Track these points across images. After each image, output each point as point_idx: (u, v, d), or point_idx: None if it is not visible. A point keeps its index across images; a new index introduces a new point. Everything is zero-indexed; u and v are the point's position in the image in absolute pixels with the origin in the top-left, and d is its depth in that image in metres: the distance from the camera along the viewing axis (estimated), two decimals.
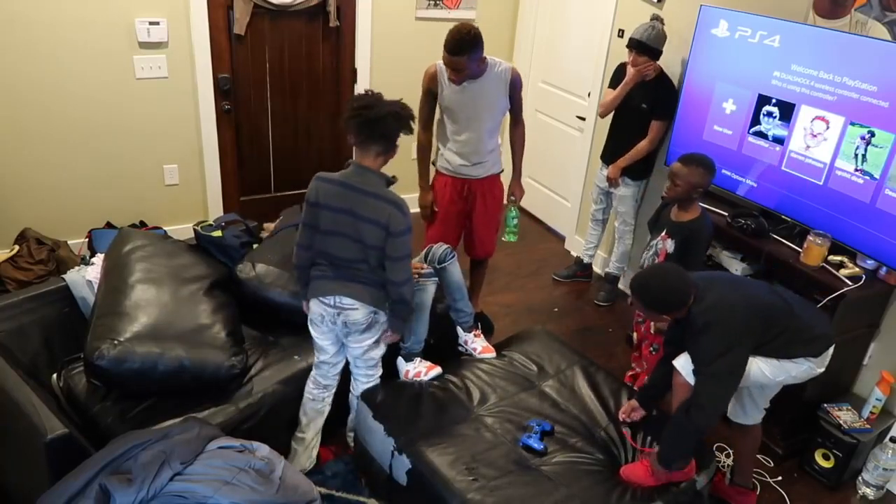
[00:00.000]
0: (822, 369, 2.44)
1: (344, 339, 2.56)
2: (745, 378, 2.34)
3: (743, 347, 2.25)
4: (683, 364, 2.38)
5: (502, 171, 3.42)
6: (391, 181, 2.37)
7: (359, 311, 2.43)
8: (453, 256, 2.96)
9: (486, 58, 3.04)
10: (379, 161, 2.35)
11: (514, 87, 3.16)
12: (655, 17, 3.52)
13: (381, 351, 2.64)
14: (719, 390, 2.26)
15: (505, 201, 3.50)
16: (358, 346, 2.55)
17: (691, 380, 2.34)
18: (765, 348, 2.33)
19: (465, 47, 2.89)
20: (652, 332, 3.02)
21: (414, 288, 2.50)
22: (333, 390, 2.70)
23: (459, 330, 3.03)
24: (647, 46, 3.47)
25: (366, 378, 2.66)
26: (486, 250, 3.58)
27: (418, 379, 2.77)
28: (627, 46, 3.53)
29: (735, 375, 2.27)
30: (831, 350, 2.43)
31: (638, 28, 3.50)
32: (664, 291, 2.30)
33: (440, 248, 2.95)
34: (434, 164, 3.40)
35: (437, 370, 2.80)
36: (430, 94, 3.17)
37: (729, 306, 2.28)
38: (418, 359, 2.84)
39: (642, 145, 3.69)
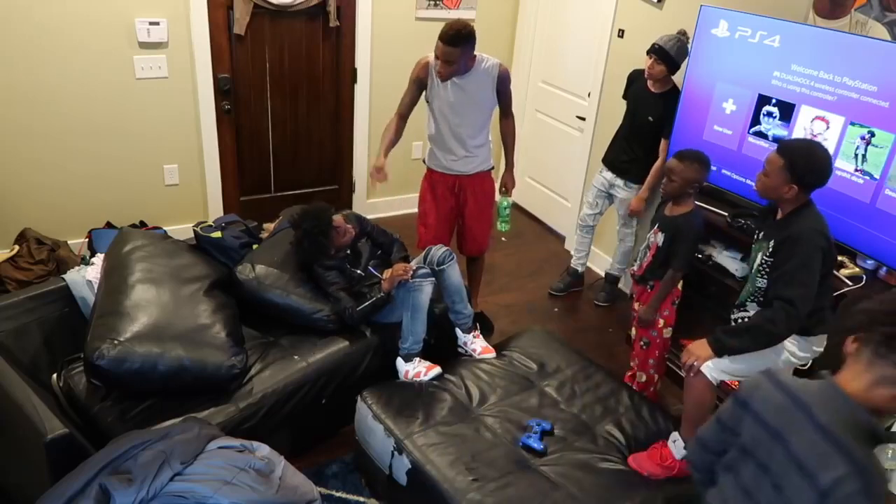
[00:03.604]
0: (821, 349, 2.48)
1: None
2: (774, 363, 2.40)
3: (818, 259, 2.27)
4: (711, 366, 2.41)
5: (492, 168, 3.48)
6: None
7: None
8: (453, 259, 2.97)
9: (474, 55, 3.09)
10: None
11: (503, 83, 3.22)
12: (682, 33, 3.50)
13: None
14: (803, 289, 2.26)
15: (497, 195, 3.56)
16: None
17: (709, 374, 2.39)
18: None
19: (460, 40, 2.94)
20: (637, 322, 3.05)
21: None
22: None
23: (458, 331, 3.03)
24: (668, 55, 3.45)
25: None
26: (480, 247, 3.63)
27: (418, 379, 2.77)
28: (648, 52, 3.51)
29: (814, 277, 2.27)
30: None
31: (663, 37, 3.48)
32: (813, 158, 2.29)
33: (440, 250, 2.95)
34: (424, 161, 3.46)
35: (437, 370, 2.80)
36: (419, 82, 3.20)
37: (820, 230, 2.31)
38: (417, 359, 2.84)
39: (656, 167, 3.71)
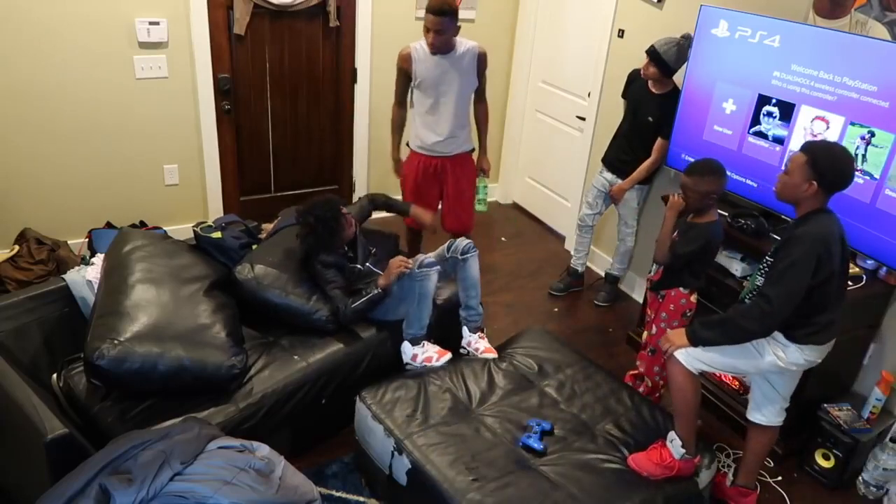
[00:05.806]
0: (818, 360, 2.46)
1: None
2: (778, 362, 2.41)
3: (809, 264, 2.24)
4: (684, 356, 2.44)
5: (473, 149, 3.67)
6: None
7: None
8: (476, 252, 3.00)
9: (458, 28, 3.35)
10: None
11: (482, 64, 3.47)
12: (685, 37, 3.46)
13: None
14: (783, 289, 2.25)
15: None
16: None
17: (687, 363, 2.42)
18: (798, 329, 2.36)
19: (447, 10, 3.22)
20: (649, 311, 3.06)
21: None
22: None
23: (465, 330, 3.04)
24: (660, 59, 3.45)
25: None
26: (464, 225, 3.78)
27: (428, 364, 2.76)
28: (646, 52, 3.52)
29: (799, 280, 2.24)
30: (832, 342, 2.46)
31: (662, 39, 3.47)
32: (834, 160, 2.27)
33: (464, 241, 3.01)
34: (408, 144, 3.64)
35: (448, 356, 2.78)
36: (404, 73, 3.44)
37: (823, 236, 2.28)
38: (426, 342, 2.83)
39: (646, 164, 3.71)
